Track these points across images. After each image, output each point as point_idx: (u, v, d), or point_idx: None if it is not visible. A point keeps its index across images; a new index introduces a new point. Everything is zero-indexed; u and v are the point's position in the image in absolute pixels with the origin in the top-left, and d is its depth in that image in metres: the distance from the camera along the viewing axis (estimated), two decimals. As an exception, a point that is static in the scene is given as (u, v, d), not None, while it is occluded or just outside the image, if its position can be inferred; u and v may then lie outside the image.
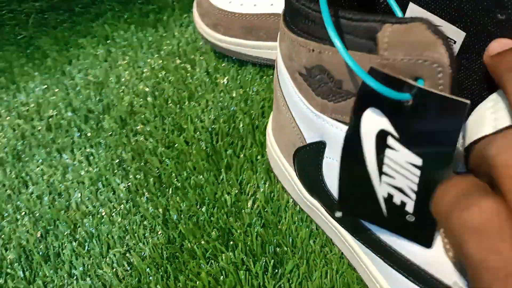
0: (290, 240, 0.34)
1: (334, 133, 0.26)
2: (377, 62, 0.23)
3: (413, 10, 0.28)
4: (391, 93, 0.22)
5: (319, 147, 0.29)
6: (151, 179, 0.40)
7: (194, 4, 0.47)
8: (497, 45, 0.24)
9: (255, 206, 0.36)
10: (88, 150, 0.44)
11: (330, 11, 0.23)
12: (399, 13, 0.24)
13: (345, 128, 0.25)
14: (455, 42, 0.27)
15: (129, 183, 0.40)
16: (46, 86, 0.51)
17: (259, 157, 0.39)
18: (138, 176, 0.40)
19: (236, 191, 0.37)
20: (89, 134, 0.46)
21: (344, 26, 0.24)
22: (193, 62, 0.49)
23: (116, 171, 0.42)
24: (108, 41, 0.54)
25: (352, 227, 0.31)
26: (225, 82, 0.46)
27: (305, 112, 0.29)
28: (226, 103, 0.44)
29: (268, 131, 0.38)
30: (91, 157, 0.44)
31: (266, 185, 0.37)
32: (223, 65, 0.48)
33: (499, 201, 0.18)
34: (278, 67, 0.31)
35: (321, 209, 0.33)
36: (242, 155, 0.40)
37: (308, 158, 0.31)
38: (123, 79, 0.49)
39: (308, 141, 0.30)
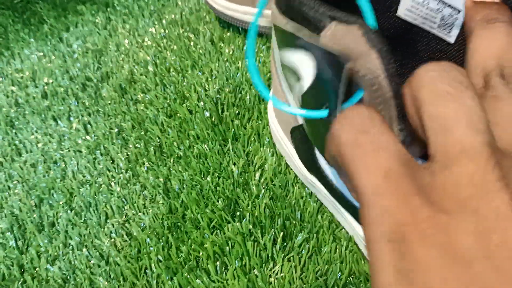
0: (299, 214, 0.33)
1: None
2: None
3: None
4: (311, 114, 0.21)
5: None
6: (152, 148, 0.38)
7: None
8: None
9: (263, 178, 0.34)
10: (85, 118, 0.42)
11: None
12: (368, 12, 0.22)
13: None
14: (459, 11, 0.25)
15: (129, 153, 0.38)
16: (42, 53, 0.49)
17: (265, 130, 0.38)
18: (138, 145, 0.38)
19: (243, 162, 0.35)
20: (87, 103, 0.43)
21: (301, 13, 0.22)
22: (196, 32, 0.47)
23: (115, 140, 0.40)
24: (108, 9, 0.52)
25: (352, 207, 0.29)
26: (231, 52, 0.44)
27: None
28: (232, 73, 0.42)
29: (269, 106, 0.36)
30: (89, 126, 0.42)
31: (274, 158, 0.35)
32: (228, 34, 0.46)
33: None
34: (273, 42, 0.29)
35: (321, 186, 0.31)
36: (249, 126, 0.38)
37: (301, 138, 0.30)
38: (123, 48, 0.47)
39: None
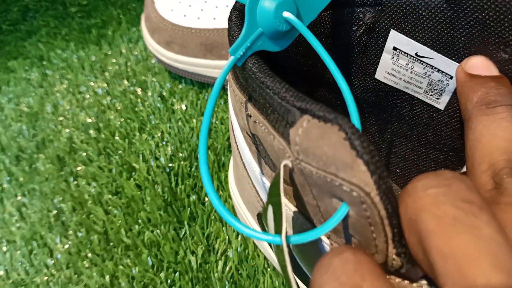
0: (272, 307, 0.28)
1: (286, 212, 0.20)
2: (293, 162, 0.17)
3: (396, 39, 0.22)
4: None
5: None
6: (96, 237, 0.32)
7: (142, 18, 0.40)
8: (479, 63, 0.19)
9: (227, 268, 0.29)
10: (20, 199, 0.36)
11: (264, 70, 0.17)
12: (343, 87, 0.17)
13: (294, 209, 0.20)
14: (451, 77, 0.21)
15: (69, 242, 0.33)
16: (-33, 120, 0.42)
17: (227, 204, 0.32)
18: (79, 233, 0.33)
19: (203, 249, 0.30)
20: (21, 179, 0.37)
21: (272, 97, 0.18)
22: (144, 85, 0.41)
23: (53, 226, 0.34)
24: (43, 63, 0.46)
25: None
26: (183, 109, 0.39)
27: (259, 178, 0.23)
28: (185, 134, 0.37)
29: (230, 178, 0.31)
30: (24, 208, 0.36)
31: (239, 239, 0.30)
32: (180, 87, 0.41)
33: None
34: (230, 114, 0.25)
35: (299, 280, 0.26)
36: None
37: None
38: (61, 109, 0.41)
39: None
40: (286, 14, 0.18)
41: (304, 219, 0.19)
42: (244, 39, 0.18)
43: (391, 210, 0.14)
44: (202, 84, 0.40)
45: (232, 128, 0.26)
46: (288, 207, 0.18)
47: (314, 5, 0.20)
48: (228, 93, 0.24)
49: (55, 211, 0.35)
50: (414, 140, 0.26)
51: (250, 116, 0.21)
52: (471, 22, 0.19)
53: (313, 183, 0.16)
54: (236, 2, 0.21)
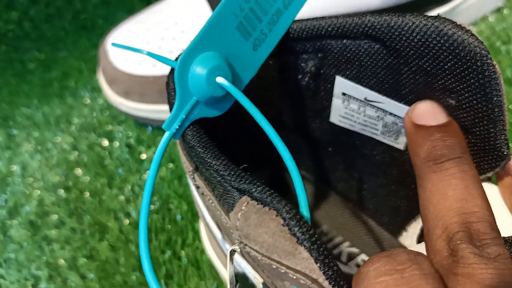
0: None
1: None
2: (239, 245, 0.16)
3: (342, 85, 0.21)
4: None
5: None
6: (73, 306, 0.31)
7: (99, 70, 0.39)
8: (425, 111, 0.18)
9: (208, 326, 0.28)
10: (-4, 270, 0.35)
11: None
12: (288, 161, 0.16)
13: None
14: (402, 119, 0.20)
15: (47, 314, 0.32)
16: None
17: (204, 255, 0.31)
18: (57, 303, 0.32)
19: (181, 308, 0.29)
20: (-5, 249, 0.36)
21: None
22: (110, 135, 0.41)
23: (30, 298, 0.33)
24: (9, 123, 0.45)
25: None
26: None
27: (220, 242, 0.22)
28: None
29: (202, 234, 0.30)
30: (2, 280, 0.35)
31: (219, 291, 0.29)
32: (147, 133, 0.40)
33: None
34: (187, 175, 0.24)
35: None
36: (183, 254, 0.32)
37: None
38: (30, 170, 0.40)
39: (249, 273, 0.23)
40: (219, 79, 0.17)
41: None
42: (178, 111, 0.18)
43: None
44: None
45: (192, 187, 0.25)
46: (258, 279, 0.18)
47: (251, 62, 0.19)
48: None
49: (32, 280, 0.34)
50: (382, 178, 0.25)
51: (198, 187, 0.20)
52: (413, 68, 0.18)
53: (262, 266, 0.16)
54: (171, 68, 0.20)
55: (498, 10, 0.43)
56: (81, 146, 0.40)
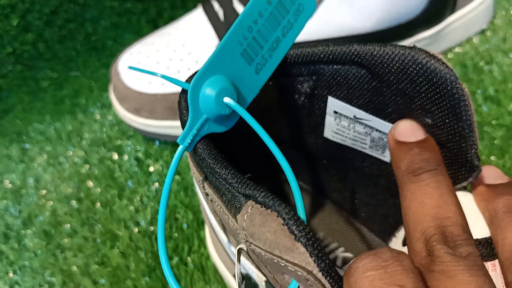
0: None
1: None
2: (245, 243, 0.19)
3: (334, 104, 0.24)
4: None
5: None
6: (87, 309, 0.33)
7: (110, 87, 0.42)
8: (405, 129, 0.20)
9: (213, 326, 0.30)
10: (11, 276, 0.37)
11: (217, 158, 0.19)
12: (287, 170, 0.18)
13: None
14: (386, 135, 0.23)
15: (62, 317, 0.34)
16: (-46, 204, 0.44)
17: (209, 261, 0.34)
18: (71, 307, 0.34)
19: (188, 310, 0.31)
20: (11, 257, 0.39)
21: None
22: (120, 149, 0.43)
23: (45, 302, 0.35)
24: (22, 138, 0.47)
25: None
26: (160, 170, 0.40)
27: (227, 247, 0.24)
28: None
29: (207, 241, 0.33)
30: (17, 286, 0.37)
31: (223, 295, 0.32)
32: (154, 148, 0.43)
33: None
34: (195, 183, 0.26)
35: None
36: (190, 260, 0.34)
37: None
38: (43, 182, 0.43)
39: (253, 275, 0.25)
40: (226, 100, 0.19)
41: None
42: (191, 127, 0.20)
43: (334, 284, 0.15)
44: (175, 143, 0.42)
45: (201, 198, 0.27)
46: (260, 277, 0.20)
47: (253, 84, 0.21)
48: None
49: (46, 286, 0.36)
50: (372, 188, 0.28)
51: (208, 194, 0.22)
52: (394, 91, 0.20)
53: (265, 261, 0.18)
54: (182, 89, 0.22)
55: (482, 32, 0.46)
56: (92, 159, 0.43)
